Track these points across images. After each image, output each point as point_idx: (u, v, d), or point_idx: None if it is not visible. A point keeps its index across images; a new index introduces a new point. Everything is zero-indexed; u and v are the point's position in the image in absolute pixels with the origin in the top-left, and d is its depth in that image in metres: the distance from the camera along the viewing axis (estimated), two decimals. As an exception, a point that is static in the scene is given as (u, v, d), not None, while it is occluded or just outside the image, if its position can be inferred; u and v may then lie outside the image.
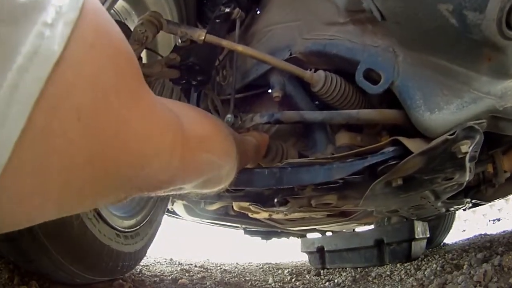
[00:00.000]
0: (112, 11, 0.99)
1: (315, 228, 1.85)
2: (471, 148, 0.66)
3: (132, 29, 0.79)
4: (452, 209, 1.44)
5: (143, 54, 1.08)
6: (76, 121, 0.24)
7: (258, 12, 1.14)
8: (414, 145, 0.68)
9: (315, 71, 0.85)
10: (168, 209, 1.44)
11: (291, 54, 0.91)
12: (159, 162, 0.36)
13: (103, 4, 0.77)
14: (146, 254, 1.25)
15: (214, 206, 1.32)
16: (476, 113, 0.65)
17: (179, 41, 0.88)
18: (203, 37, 0.76)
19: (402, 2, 0.60)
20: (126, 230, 1.07)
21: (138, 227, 1.14)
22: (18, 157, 0.21)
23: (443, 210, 1.34)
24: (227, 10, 1.02)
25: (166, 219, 1.41)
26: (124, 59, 0.30)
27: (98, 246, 0.92)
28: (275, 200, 0.96)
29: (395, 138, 0.72)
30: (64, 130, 0.23)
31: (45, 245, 0.80)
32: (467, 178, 0.80)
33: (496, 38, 0.55)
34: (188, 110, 0.54)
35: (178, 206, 1.45)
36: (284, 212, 1.15)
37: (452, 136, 0.62)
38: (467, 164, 0.72)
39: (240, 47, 0.79)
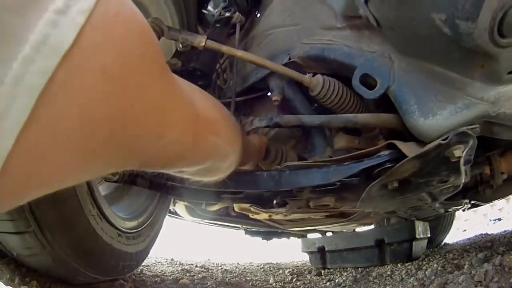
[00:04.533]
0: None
1: (315, 229, 1.86)
2: (464, 152, 0.67)
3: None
4: (450, 210, 1.45)
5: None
6: (100, 77, 0.25)
7: (258, 15, 1.16)
8: (409, 149, 0.70)
9: (313, 75, 0.86)
10: (170, 210, 1.46)
11: (290, 59, 0.92)
12: (174, 135, 0.38)
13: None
14: (148, 255, 1.26)
15: (215, 207, 1.34)
16: (469, 118, 0.66)
17: (180, 45, 0.90)
18: (203, 43, 0.78)
19: (396, 10, 0.62)
20: (128, 231, 1.09)
21: (140, 229, 1.16)
22: (37, 113, 0.21)
23: (442, 211, 1.35)
24: (227, 14, 1.04)
25: (167, 219, 1.42)
26: (147, 30, 0.32)
27: (100, 243, 0.93)
28: (274, 202, 0.98)
29: (391, 142, 0.74)
30: (87, 85, 0.24)
31: (50, 239, 0.81)
32: (462, 181, 0.81)
33: (488, 46, 0.57)
34: (201, 93, 0.56)
35: (179, 207, 1.47)
36: (284, 213, 1.17)
37: (445, 141, 0.64)
38: (462, 168, 0.73)
39: (239, 53, 0.81)
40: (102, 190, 1.11)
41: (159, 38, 0.80)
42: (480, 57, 0.60)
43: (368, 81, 0.76)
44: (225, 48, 0.80)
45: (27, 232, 0.79)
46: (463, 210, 1.92)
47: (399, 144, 0.71)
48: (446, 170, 0.75)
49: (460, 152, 0.66)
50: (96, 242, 0.92)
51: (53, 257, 0.84)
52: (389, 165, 0.73)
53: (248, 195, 1.00)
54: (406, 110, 0.70)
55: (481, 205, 1.51)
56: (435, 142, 0.65)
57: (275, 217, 1.30)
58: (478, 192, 1.25)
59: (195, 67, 0.86)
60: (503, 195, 1.45)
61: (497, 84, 0.66)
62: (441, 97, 0.67)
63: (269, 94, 1.03)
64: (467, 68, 0.64)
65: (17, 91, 0.20)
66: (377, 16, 0.66)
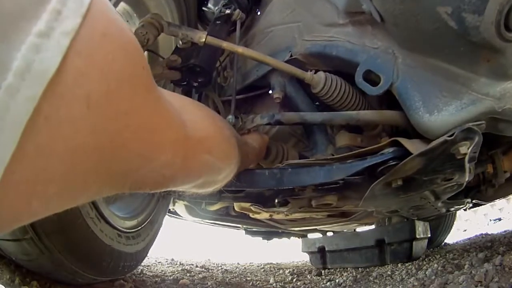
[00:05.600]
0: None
1: (316, 229, 1.85)
2: (470, 149, 0.66)
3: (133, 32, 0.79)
4: (452, 209, 1.44)
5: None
6: (85, 109, 0.24)
7: (259, 13, 1.15)
8: (413, 146, 0.69)
9: (315, 72, 0.85)
10: (170, 209, 1.44)
11: (291, 56, 0.91)
12: (163, 158, 0.37)
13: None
14: (147, 255, 1.25)
15: (215, 207, 1.33)
16: (475, 114, 0.65)
17: (180, 42, 0.89)
18: (203, 39, 0.77)
19: (401, 4, 0.61)
20: (128, 230, 1.08)
21: (140, 228, 1.15)
22: (22, 148, 0.20)
23: (444, 210, 1.34)
24: (228, 11, 1.02)
25: (167, 219, 1.41)
26: (135, 49, 0.30)
27: (99, 245, 0.92)
28: (276, 201, 0.97)
29: (395, 139, 0.73)
30: (72, 118, 0.23)
31: (48, 244, 0.80)
32: (467, 179, 0.80)
33: (495, 40, 0.56)
34: (193, 108, 0.54)
35: (179, 207, 1.46)
36: (285, 213, 1.16)
37: (451, 138, 0.63)
38: (467, 165, 0.72)
39: (240, 49, 0.80)
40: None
41: (158, 34, 0.78)
42: (486, 51, 0.59)
43: (371, 78, 0.75)
44: (225, 44, 0.78)
45: (24, 239, 0.78)
46: (465, 210, 1.92)
47: (404, 141, 0.70)
48: (450, 168, 0.74)
49: (465, 148, 0.65)
50: (95, 245, 0.91)
51: (52, 261, 0.83)
52: (393, 163, 0.72)
53: (249, 194, 0.99)
54: (410, 106, 0.68)
55: (483, 204, 1.51)
56: (441, 139, 0.63)
57: (276, 216, 1.29)
58: (480, 191, 1.24)
59: (195, 64, 0.84)
60: (504, 194, 1.44)
61: (503, 79, 0.64)
62: (446, 93, 0.65)
63: (270, 92, 1.01)
64: (473, 63, 0.63)
65: (2, 124, 0.19)
66: (381, 10, 0.65)
